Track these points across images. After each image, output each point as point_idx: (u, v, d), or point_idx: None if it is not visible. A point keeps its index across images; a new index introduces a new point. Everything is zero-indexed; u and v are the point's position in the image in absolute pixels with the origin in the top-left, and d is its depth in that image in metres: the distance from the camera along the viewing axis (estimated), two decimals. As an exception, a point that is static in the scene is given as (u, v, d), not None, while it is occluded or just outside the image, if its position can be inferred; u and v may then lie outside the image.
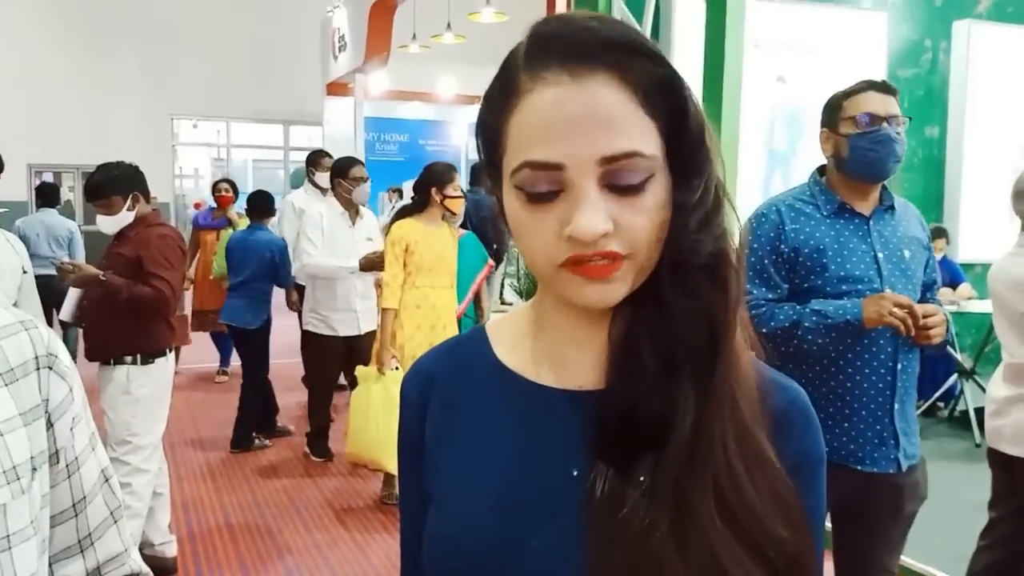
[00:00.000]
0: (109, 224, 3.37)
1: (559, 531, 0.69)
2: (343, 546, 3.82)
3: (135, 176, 3.42)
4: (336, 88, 12.40)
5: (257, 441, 5.32)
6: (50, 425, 0.77)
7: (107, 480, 0.85)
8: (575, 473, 0.70)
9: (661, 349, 0.67)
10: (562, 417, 0.73)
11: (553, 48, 0.65)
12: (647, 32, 4.24)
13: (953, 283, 5.62)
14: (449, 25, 9.69)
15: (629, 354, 0.68)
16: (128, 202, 3.37)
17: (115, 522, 0.86)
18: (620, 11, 4.14)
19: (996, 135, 5.91)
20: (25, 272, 3.13)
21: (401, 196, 11.58)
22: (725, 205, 0.69)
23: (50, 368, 0.77)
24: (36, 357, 0.76)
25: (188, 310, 6.70)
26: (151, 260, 3.33)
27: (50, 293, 4.70)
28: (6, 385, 0.73)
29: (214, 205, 7.08)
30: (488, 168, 0.72)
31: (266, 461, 5.00)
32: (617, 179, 0.64)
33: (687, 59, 4.23)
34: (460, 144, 14.03)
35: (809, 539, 0.70)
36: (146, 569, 0.90)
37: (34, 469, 0.73)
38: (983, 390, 5.43)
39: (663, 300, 0.67)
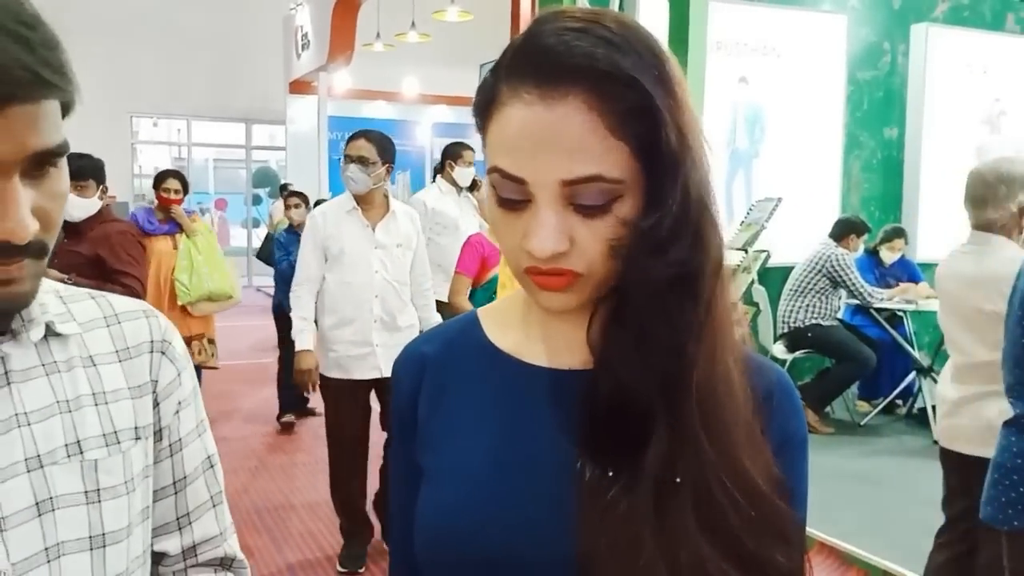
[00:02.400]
0: (81, 207, 3.34)
1: (549, 506, 0.71)
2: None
3: (103, 169, 3.49)
4: (299, 87, 12.32)
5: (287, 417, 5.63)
6: (156, 404, 0.84)
7: (212, 466, 0.91)
8: (564, 451, 0.71)
9: (635, 353, 0.68)
10: (549, 395, 0.75)
11: (533, 64, 0.66)
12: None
13: (912, 281, 5.72)
14: (414, 24, 9.66)
15: (610, 346, 0.70)
16: (98, 190, 3.41)
17: (214, 506, 0.92)
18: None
19: (953, 136, 6.03)
20: None
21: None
22: (699, 229, 0.68)
23: (163, 353, 0.85)
24: (151, 341, 0.85)
25: None
26: (116, 258, 3.31)
27: None
28: (120, 361, 0.82)
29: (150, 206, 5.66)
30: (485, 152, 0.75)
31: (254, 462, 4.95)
32: (579, 199, 0.66)
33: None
34: (425, 144, 14.02)
35: (803, 557, 0.73)
36: (240, 555, 0.95)
37: (137, 438, 0.81)
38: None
39: (631, 315, 0.69)
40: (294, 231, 5.65)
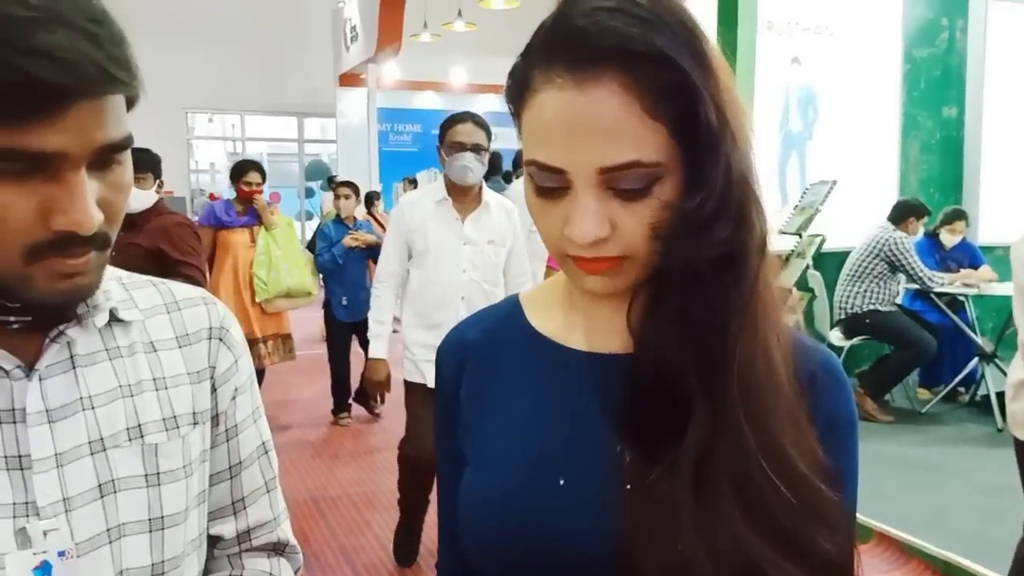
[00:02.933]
0: (139, 197, 3.41)
1: (591, 490, 0.71)
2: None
3: (160, 164, 3.57)
4: (348, 79, 12.42)
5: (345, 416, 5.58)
6: (214, 390, 0.86)
7: (267, 452, 0.93)
8: (605, 435, 0.71)
9: (676, 336, 0.68)
10: (590, 379, 0.75)
11: (565, 47, 0.65)
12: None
13: (973, 265, 5.56)
14: (460, 13, 9.67)
15: (651, 330, 0.70)
16: (155, 184, 3.49)
17: (268, 492, 0.93)
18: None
19: (1015, 115, 5.84)
20: None
21: (416, 187, 11.61)
22: (742, 209, 0.67)
23: (220, 340, 0.87)
24: (210, 328, 0.87)
25: None
26: (176, 249, 3.40)
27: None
28: (180, 347, 0.84)
29: (228, 197, 5.42)
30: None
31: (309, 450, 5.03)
32: (618, 184, 0.66)
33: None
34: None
35: (850, 545, 0.71)
36: (293, 541, 0.97)
37: (195, 423, 0.83)
38: (1004, 374, 5.39)
39: (673, 297, 0.68)
40: (342, 222, 5.51)
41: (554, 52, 0.66)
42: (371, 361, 3.19)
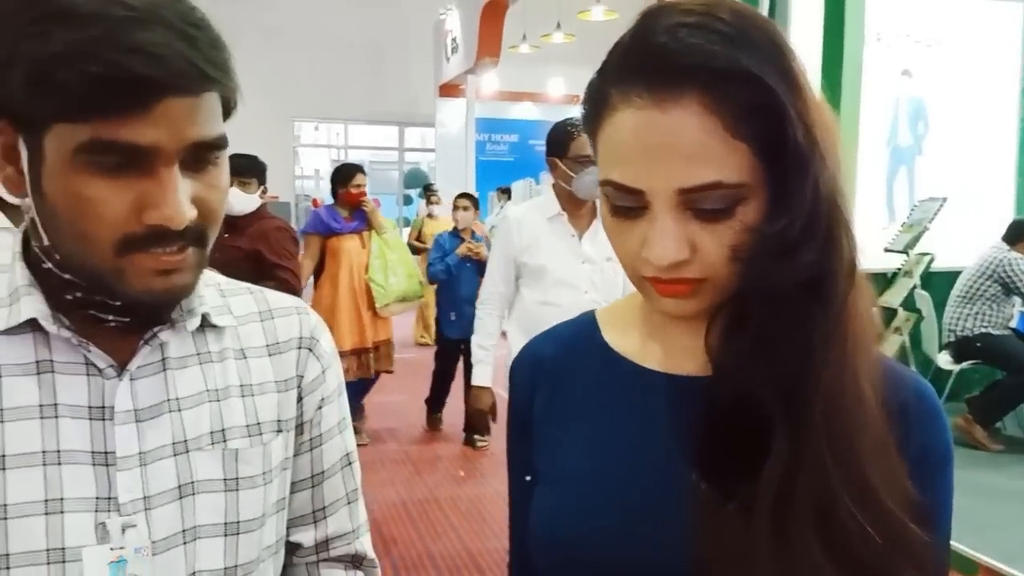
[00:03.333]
0: (243, 201, 3.56)
1: (661, 514, 0.69)
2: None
3: (265, 170, 3.72)
4: (448, 90, 12.61)
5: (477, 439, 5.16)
6: (300, 399, 0.86)
7: (350, 463, 0.93)
8: (679, 459, 0.69)
9: (757, 362, 0.65)
10: (667, 401, 0.73)
11: (644, 65, 0.63)
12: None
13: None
14: (559, 25, 9.69)
15: (729, 353, 0.67)
16: (259, 189, 3.63)
17: (349, 503, 0.93)
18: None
19: None
20: None
21: (509, 197, 11.69)
22: (829, 230, 0.64)
23: (310, 350, 0.87)
24: (300, 338, 0.87)
25: None
26: (273, 253, 3.52)
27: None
28: (270, 355, 0.85)
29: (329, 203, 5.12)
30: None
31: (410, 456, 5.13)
32: (699, 205, 0.63)
33: (804, 53, 4.09)
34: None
35: None
36: (372, 554, 0.96)
37: (279, 431, 0.83)
38: None
39: (755, 321, 0.65)
40: (458, 235, 5.35)
41: (633, 70, 0.64)
42: (475, 389, 3.02)
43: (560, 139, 2.75)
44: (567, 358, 0.80)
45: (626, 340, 0.78)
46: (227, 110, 0.73)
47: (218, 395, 0.79)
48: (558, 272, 2.73)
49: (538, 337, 0.85)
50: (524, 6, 9.86)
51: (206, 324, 0.80)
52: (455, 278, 5.18)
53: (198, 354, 0.79)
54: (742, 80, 0.61)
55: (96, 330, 0.74)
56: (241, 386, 0.81)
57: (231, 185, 3.51)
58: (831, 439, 0.63)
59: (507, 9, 10.24)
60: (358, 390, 4.93)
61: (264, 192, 3.67)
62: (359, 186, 4.66)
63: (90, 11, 0.63)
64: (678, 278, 0.65)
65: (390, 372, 4.96)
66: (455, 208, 5.52)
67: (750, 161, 0.62)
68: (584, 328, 0.82)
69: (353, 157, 16.44)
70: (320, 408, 0.88)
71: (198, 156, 0.69)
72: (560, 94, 13.74)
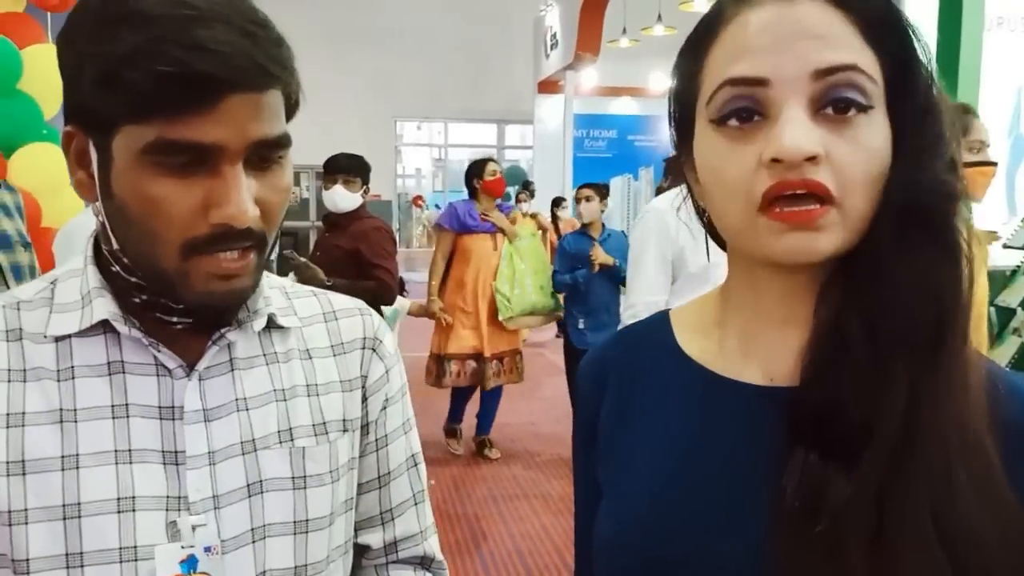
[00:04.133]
0: (347, 199, 3.63)
1: (742, 535, 0.63)
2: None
3: (369, 170, 3.78)
4: (547, 86, 12.62)
5: None
6: (365, 399, 0.87)
7: (416, 464, 0.93)
8: (763, 475, 0.62)
9: (876, 335, 0.58)
10: (744, 414, 0.66)
11: None
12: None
13: None
14: (660, 17, 9.56)
15: (834, 342, 0.60)
16: (362, 188, 3.70)
17: (415, 504, 0.93)
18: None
19: None
20: None
21: (608, 192, 11.55)
22: (956, 170, 0.59)
23: (373, 350, 0.88)
24: (364, 338, 0.88)
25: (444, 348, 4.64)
26: (371, 252, 3.58)
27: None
28: (335, 355, 0.85)
29: (463, 198, 4.70)
30: (678, 126, 0.67)
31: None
32: (834, 94, 0.57)
33: (918, 41, 3.90)
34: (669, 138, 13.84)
35: None
36: (440, 556, 0.96)
37: (344, 430, 0.83)
38: None
39: (882, 269, 0.58)
40: (584, 234, 4.52)
41: None
42: None
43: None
44: (637, 361, 0.75)
45: (700, 343, 0.72)
46: (291, 109, 0.73)
47: (284, 394, 0.80)
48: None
49: (607, 341, 0.80)
50: (625, 0, 9.77)
51: (272, 325, 0.81)
52: (587, 283, 4.46)
53: (264, 354, 0.80)
54: None
55: (165, 332, 0.75)
56: (307, 386, 0.82)
57: (336, 183, 3.64)
58: (957, 399, 0.57)
59: (607, 3, 10.17)
60: (464, 396, 4.79)
61: (367, 192, 3.74)
62: (494, 172, 4.48)
63: (156, 12, 0.64)
64: (808, 181, 0.56)
65: (518, 381, 4.73)
66: (577, 201, 4.85)
67: (877, 71, 0.58)
68: (656, 329, 0.76)
69: (453, 155, 16.66)
70: (384, 408, 0.88)
71: (262, 155, 0.69)
72: (661, 88, 13.54)
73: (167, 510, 0.72)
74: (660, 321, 0.76)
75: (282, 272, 3.74)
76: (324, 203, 3.74)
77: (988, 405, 0.59)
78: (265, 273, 0.79)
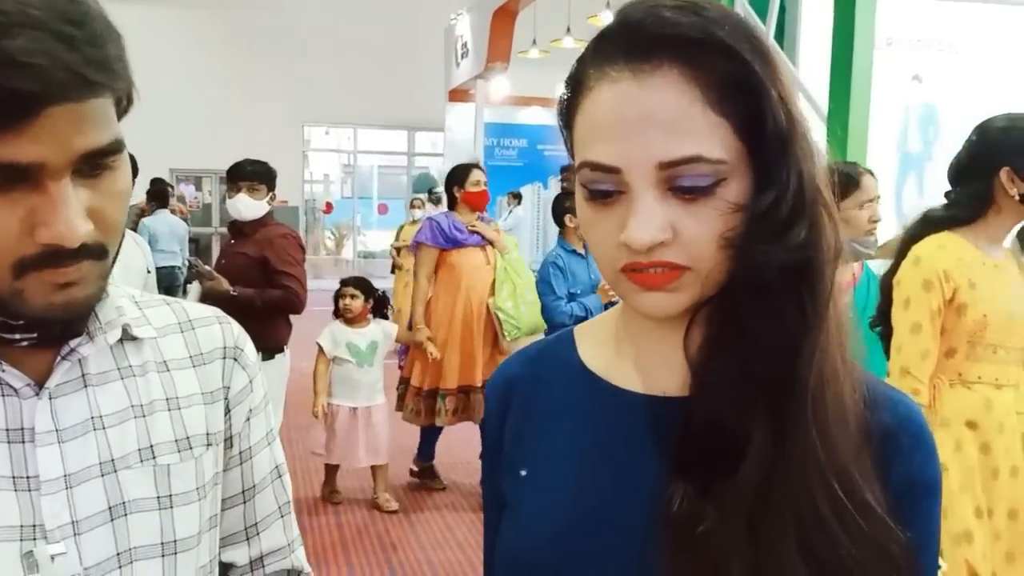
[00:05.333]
0: (252, 207, 3.55)
1: (635, 541, 0.66)
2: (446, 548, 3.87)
3: (275, 177, 3.70)
4: (458, 95, 12.63)
5: None
6: (228, 411, 0.83)
7: (280, 476, 0.90)
8: (654, 483, 0.65)
9: (741, 368, 0.62)
10: (643, 424, 0.69)
11: (620, 41, 0.62)
12: (771, 31, 4.13)
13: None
14: (569, 29, 9.71)
15: (708, 367, 0.64)
16: (268, 196, 3.62)
17: (282, 516, 0.90)
18: (743, 8, 4.04)
19: None
20: (149, 272, 3.37)
21: (520, 201, 11.69)
22: (816, 215, 0.62)
23: (235, 359, 0.84)
24: (224, 347, 0.84)
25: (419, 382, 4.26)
26: (278, 259, 3.51)
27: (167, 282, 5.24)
28: (194, 367, 0.81)
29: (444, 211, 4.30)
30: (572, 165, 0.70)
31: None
32: (679, 183, 0.60)
33: (814, 58, 4.09)
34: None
35: None
36: (307, 568, 0.93)
37: (208, 445, 0.80)
38: None
39: (741, 320, 0.62)
40: (575, 251, 3.80)
41: (609, 47, 0.62)
42: None
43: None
44: (540, 378, 0.76)
45: (601, 358, 0.74)
46: (123, 108, 0.67)
47: (143, 410, 0.76)
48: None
49: (513, 357, 0.82)
50: (535, 11, 9.89)
51: (125, 337, 0.76)
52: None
53: (119, 368, 0.75)
54: (720, 52, 0.60)
55: (8, 350, 0.69)
56: (167, 400, 0.78)
57: (241, 191, 3.56)
58: (814, 435, 0.61)
59: (517, 14, 10.26)
60: (438, 430, 4.34)
61: (273, 199, 3.67)
62: (478, 183, 4.08)
63: None
64: (659, 262, 0.61)
65: None
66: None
67: (731, 140, 0.60)
68: (560, 346, 0.78)
69: (363, 162, 16.49)
70: (248, 420, 0.85)
71: (93, 163, 0.64)
72: (570, 99, 13.74)
73: (22, 540, 0.67)
74: (565, 337, 0.78)
75: (187, 280, 3.63)
76: (228, 211, 3.65)
77: (865, 414, 0.64)
78: (114, 282, 0.75)
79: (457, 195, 4.14)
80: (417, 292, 4.21)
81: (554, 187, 12.28)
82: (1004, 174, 1.89)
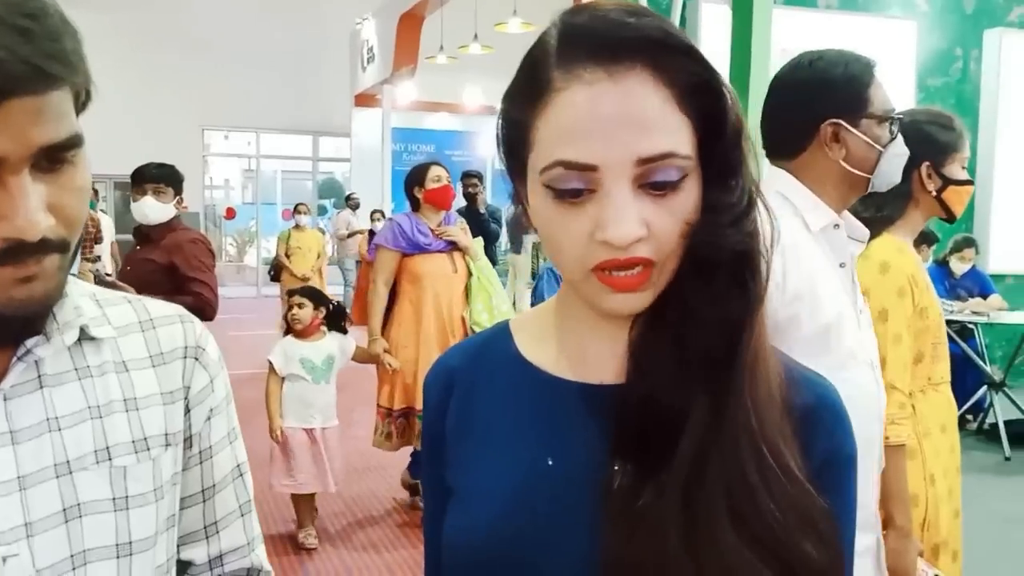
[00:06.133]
0: (158, 210, 3.43)
1: (576, 524, 0.68)
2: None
3: (182, 181, 3.60)
4: (364, 99, 12.54)
5: None
6: (188, 410, 0.82)
7: (242, 475, 0.89)
8: (594, 465, 0.68)
9: (680, 350, 0.66)
10: (581, 411, 0.72)
11: (588, 43, 0.64)
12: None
13: (983, 294, 5.55)
14: (476, 36, 9.76)
15: (648, 351, 0.68)
16: (175, 199, 3.50)
17: (242, 515, 0.90)
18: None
19: (1028, 144, 5.84)
20: None
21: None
22: (757, 209, 0.68)
23: (196, 359, 0.83)
24: (185, 347, 0.83)
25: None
26: (188, 265, 3.39)
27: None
28: (154, 366, 0.80)
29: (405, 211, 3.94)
30: (510, 165, 0.71)
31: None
32: (653, 178, 0.63)
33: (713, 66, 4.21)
34: (486, 155, 14.11)
35: (840, 558, 0.69)
36: (267, 567, 0.93)
37: (167, 445, 0.79)
38: (1013, 402, 5.36)
39: (685, 303, 0.66)
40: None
41: (576, 49, 0.64)
42: None
43: (858, 81, 1.52)
44: (479, 370, 0.78)
45: (539, 350, 0.76)
46: (81, 103, 0.67)
47: (100, 411, 0.75)
48: (845, 321, 1.41)
49: (450, 351, 0.84)
50: (441, 17, 9.90)
51: (84, 337, 0.75)
52: None
53: (76, 369, 0.75)
54: (685, 53, 0.64)
55: None
56: (125, 400, 0.77)
57: (146, 194, 3.45)
58: (747, 409, 0.66)
59: (424, 20, 10.26)
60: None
61: (180, 203, 3.56)
62: (439, 179, 3.72)
63: None
64: (634, 259, 0.64)
65: None
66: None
67: (692, 137, 0.65)
68: (497, 338, 0.80)
69: (266, 167, 16.14)
70: (209, 419, 0.85)
71: (52, 157, 0.64)
72: (477, 105, 13.80)
73: None
74: (501, 331, 0.81)
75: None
76: (133, 215, 3.53)
77: (784, 397, 0.69)
78: (74, 280, 0.75)
79: (419, 196, 3.77)
80: (374, 300, 3.80)
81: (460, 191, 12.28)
82: (924, 169, 1.88)
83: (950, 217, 1.97)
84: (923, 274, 1.91)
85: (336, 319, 3.79)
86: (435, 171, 3.73)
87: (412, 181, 3.80)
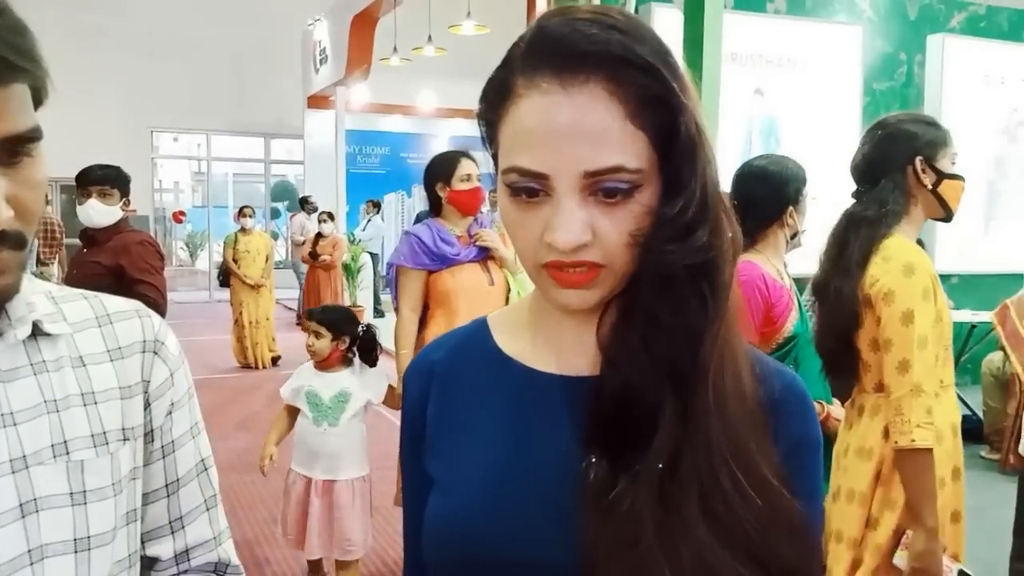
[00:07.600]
0: (104, 213, 3.36)
1: (555, 514, 0.70)
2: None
3: (129, 182, 3.53)
4: (317, 101, 12.42)
5: None
6: (148, 405, 0.83)
7: (206, 469, 0.90)
8: (571, 454, 0.70)
9: (647, 351, 0.68)
10: (557, 402, 0.74)
11: (549, 53, 0.66)
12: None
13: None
14: (430, 38, 9.72)
15: (617, 347, 0.70)
16: (121, 201, 3.44)
17: (208, 510, 0.90)
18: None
19: (970, 147, 5.99)
20: None
21: (379, 210, 11.58)
22: (717, 218, 0.69)
23: (155, 353, 0.84)
24: (144, 341, 0.83)
25: None
26: (135, 267, 3.33)
27: None
28: (112, 361, 0.80)
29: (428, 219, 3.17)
30: (493, 157, 0.74)
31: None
32: (602, 187, 0.66)
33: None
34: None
35: (813, 557, 0.72)
36: (235, 560, 0.93)
37: (125, 439, 0.79)
38: (961, 400, 5.48)
39: (647, 309, 0.68)
40: None
41: (539, 59, 0.67)
42: None
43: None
44: (458, 363, 0.81)
45: (516, 342, 0.79)
46: (38, 99, 0.69)
47: (57, 405, 0.75)
48: None
49: (430, 345, 0.86)
50: (395, 19, 9.85)
51: (38, 333, 0.75)
52: None
53: (31, 364, 0.75)
54: (641, 69, 0.65)
55: None
56: (82, 395, 0.77)
57: (91, 197, 3.38)
58: (716, 416, 0.68)
59: (378, 21, 10.19)
60: None
61: (127, 205, 3.50)
62: (469, 177, 2.90)
63: None
64: (579, 261, 0.67)
65: None
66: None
67: (647, 149, 0.66)
68: (475, 333, 0.83)
69: (216, 169, 15.91)
70: (170, 414, 0.85)
71: (11, 150, 0.65)
72: (431, 107, 13.77)
73: None
74: (479, 325, 0.84)
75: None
76: (79, 218, 3.45)
77: (757, 387, 0.72)
78: (29, 277, 0.74)
79: (442, 195, 2.93)
80: (401, 331, 2.96)
81: (418, 195, 12.26)
82: (918, 163, 1.87)
83: (948, 214, 1.97)
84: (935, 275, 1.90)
85: (367, 349, 3.08)
86: (465, 167, 2.88)
87: (435, 175, 2.93)
